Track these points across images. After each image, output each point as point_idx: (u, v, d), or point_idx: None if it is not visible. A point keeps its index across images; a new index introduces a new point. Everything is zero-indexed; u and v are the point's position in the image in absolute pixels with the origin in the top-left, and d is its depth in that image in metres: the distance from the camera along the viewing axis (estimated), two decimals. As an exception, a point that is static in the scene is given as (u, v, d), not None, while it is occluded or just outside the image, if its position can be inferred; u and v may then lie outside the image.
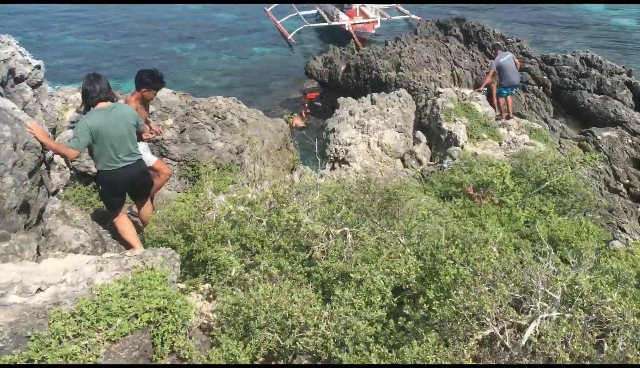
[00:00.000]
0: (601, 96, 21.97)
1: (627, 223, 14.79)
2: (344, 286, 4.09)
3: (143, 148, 6.94)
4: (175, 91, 10.61)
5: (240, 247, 5.09)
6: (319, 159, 11.22)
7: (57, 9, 44.33)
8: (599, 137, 19.29)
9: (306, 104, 26.53)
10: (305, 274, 4.52)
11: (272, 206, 5.42)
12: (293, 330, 3.65)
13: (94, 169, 9.06)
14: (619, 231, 13.26)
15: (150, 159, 6.96)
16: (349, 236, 5.03)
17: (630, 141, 19.08)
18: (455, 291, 3.30)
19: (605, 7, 41.29)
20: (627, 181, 17.20)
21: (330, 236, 5.15)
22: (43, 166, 4.79)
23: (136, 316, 2.91)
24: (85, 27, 40.22)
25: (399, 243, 4.68)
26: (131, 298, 2.99)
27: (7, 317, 2.62)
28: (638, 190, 16.34)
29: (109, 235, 5.21)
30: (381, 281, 3.90)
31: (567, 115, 22.93)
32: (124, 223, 5.84)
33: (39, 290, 2.90)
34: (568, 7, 41.61)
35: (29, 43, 33.41)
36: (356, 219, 5.40)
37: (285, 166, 13.71)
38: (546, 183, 9.32)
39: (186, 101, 10.10)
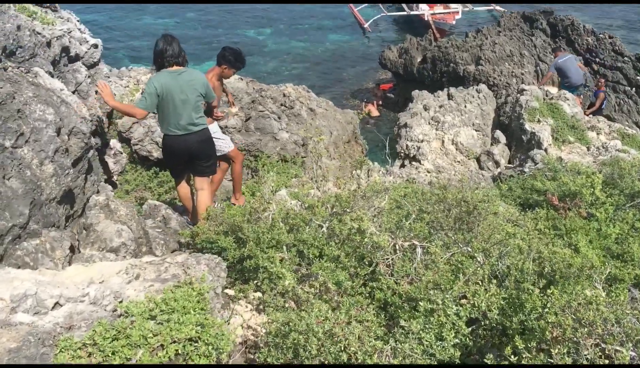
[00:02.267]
0: (703, 101, 20.12)
1: None
2: (411, 315, 3.52)
3: (221, 135, 6.69)
4: (242, 77, 10.26)
5: (296, 253, 4.61)
6: (389, 158, 10.59)
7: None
8: (698, 146, 17.62)
9: (379, 96, 25.80)
10: (367, 294, 3.98)
11: (334, 210, 4.90)
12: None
13: (155, 154, 8.87)
14: None
15: (229, 145, 6.72)
16: (419, 251, 4.43)
17: None
18: (551, 345, 2.67)
19: None
20: None
21: (397, 249, 4.58)
22: (92, 153, 4.46)
23: (162, 346, 2.46)
24: (161, 9, 40.88)
25: (476, 265, 4.05)
26: (159, 324, 2.55)
27: (9, 342, 2.24)
28: None
29: (159, 229, 4.86)
30: (455, 315, 3.30)
31: (662, 120, 21.18)
32: (183, 188, 5.91)
33: (57, 304, 2.52)
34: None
35: (101, 25, 34.36)
36: (427, 231, 4.79)
37: (353, 160, 13.16)
38: (643, 197, 8.30)
39: (253, 88, 9.72)
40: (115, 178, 5.73)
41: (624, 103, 21.19)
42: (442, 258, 4.34)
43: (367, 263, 4.48)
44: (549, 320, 3.48)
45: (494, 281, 3.83)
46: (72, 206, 4.03)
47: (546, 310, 3.50)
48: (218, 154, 6.55)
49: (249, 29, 36.32)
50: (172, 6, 41.26)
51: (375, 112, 23.67)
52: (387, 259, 4.50)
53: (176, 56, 5.43)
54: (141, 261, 3.33)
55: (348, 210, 4.77)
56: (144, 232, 4.25)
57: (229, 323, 3.91)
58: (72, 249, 3.49)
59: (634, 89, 22.03)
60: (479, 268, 3.71)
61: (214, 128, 6.65)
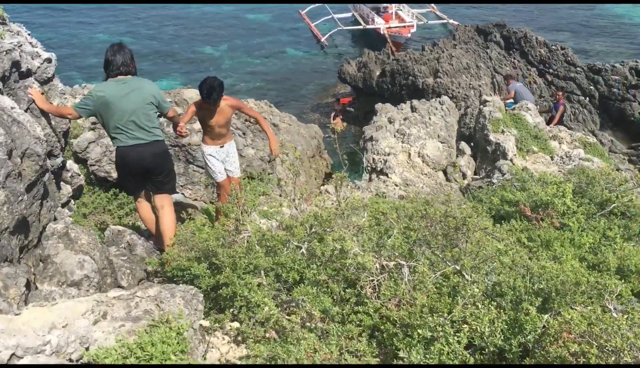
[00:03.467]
0: (653, 108, 20.73)
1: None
2: (407, 343, 3.26)
3: (213, 161, 6.50)
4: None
5: (275, 278, 4.29)
6: (363, 170, 10.39)
7: (88, 9, 44.41)
8: (651, 152, 18.11)
9: (339, 109, 25.73)
10: (357, 322, 3.70)
11: (313, 229, 4.61)
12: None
13: (114, 174, 8.42)
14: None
15: (216, 177, 6.57)
16: (406, 271, 4.19)
17: (686, 157, 17.84)
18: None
19: (651, 16, 39.68)
20: (684, 201, 15.97)
21: (382, 268, 4.32)
22: (48, 176, 4.06)
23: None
24: (118, 26, 40.13)
25: (468, 284, 3.82)
26: (135, 373, 2.22)
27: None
28: (697, 211, 15.08)
29: (124, 257, 4.46)
30: (457, 343, 3.06)
31: (615, 128, 21.71)
32: (144, 210, 5.58)
33: (14, 356, 2.14)
34: (611, 15, 40.07)
35: (58, 40, 33.46)
36: (412, 248, 4.55)
37: (319, 175, 12.93)
38: (613, 205, 8.32)
39: (216, 103, 9.36)
40: (72, 202, 5.31)
41: (579, 112, 21.66)
42: (430, 277, 4.12)
43: (351, 285, 4.21)
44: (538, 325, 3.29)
45: (493, 302, 3.61)
46: (27, 235, 3.63)
47: (549, 331, 3.30)
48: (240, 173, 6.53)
49: (205, 46, 35.89)
50: (126, 22, 40.54)
51: (339, 126, 23.57)
52: (372, 281, 4.25)
53: (122, 66, 5.15)
54: (107, 296, 2.97)
55: (329, 230, 4.49)
56: (108, 262, 3.86)
57: (205, 358, 3.57)
58: (27, 285, 3.10)
59: (587, 98, 22.57)
60: (474, 288, 3.48)
61: (208, 150, 6.46)
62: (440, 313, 3.33)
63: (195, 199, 8.55)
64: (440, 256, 4.24)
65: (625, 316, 2.95)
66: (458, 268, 4.21)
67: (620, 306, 4.07)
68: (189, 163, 8.78)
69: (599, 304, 3.90)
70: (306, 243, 4.57)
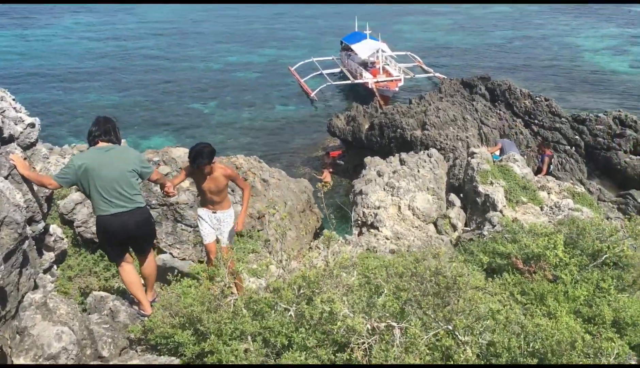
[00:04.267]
0: (638, 156, 20.98)
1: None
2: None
3: (203, 225, 6.49)
4: (193, 150, 9.90)
5: (262, 343, 4.15)
6: (352, 225, 10.32)
7: (78, 67, 45.04)
8: (639, 200, 18.20)
9: (329, 163, 25.86)
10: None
11: (301, 291, 4.50)
12: None
13: (101, 236, 8.31)
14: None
15: (204, 239, 6.57)
16: (397, 333, 4.07)
17: (674, 205, 17.93)
18: None
19: (630, 67, 40.75)
20: (675, 248, 15.94)
21: (373, 330, 4.20)
22: (28, 243, 3.96)
23: None
24: (106, 84, 40.58)
25: (461, 346, 3.71)
26: None
27: None
28: (689, 259, 15.04)
29: (106, 325, 4.31)
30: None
31: (602, 176, 21.91)
32: (127, 273, 5.41)
33: None
34: (592, 67, 41.14)
35: (45, 102, 33.83)
36: (401, 308, 4.44)
37: (309, 230, 12.83)
38: (604, 256, 8.26)
39: (204, 161, 9.34)
40: (55, 267, 5.18)
41: (566, 162, 21.89)
42: (422, 339, 4.00)
43: (341, 348, 4.08)
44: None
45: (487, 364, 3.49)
46: (4, 306, 3.50)
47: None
48: (231, 242, 6.48)
49: (194, 102, 36.28)
50: (117, 82, 41.04)
51: (328, 179, 23.64)
52: (362, 343, 4.12)
53: (104, 134, 5.23)
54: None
55: (317, 291, 4.38)
56: (88, 332, 3.71)
57: None
58: (3, 356, 2.96)
59: (573, 148, 22.86)
60: (468, 352, 3.37)
61: (200, 212, 6.55)
62: (433, 379, 3.21)
63: (184, 259, 8.41)
64: (432, 316, 4.13)
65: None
66: (451, 328, 4.11)
67: None
68: (177, 221, 8.69)
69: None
70: (294, 305, 4.46)
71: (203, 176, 6.17)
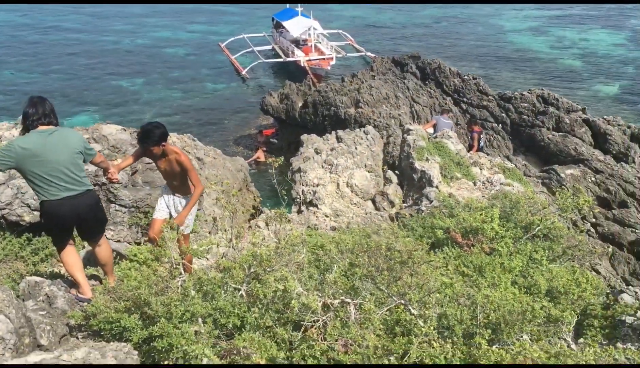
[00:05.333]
0: (560, 133, 21.96)
1: (600, 265, 14.35)
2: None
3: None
4: (125, 128, 9.47)
5: (213, 325, 4.00)
6: (284, 202, 10.22)
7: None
8: (562, 175, 19.08)
9: (262, 141, 25.60)
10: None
11: (252, 270, 4.37)
12: None
13: (27, 218, 7.80)
14: (615, 279, 12.83)
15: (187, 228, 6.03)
16: (352, 309, 4.03)
17: (593, 179, 18.94)
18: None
19: (551, 47, 42.50)
20: (594, 219, 16.89)
21: (327, 307, 4.14)
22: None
23: None
24: (23, 60, 38.32)
25: (417, 321, 3.71)
26: None
27: None
28: (606, 229, 15.98)
29: (42, 312, 4.02)
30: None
31: (527, 152, 22.80)
32: (68, 255, 5.11)
33: None
34: (515, 46, 42.61)
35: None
36: (353, 284, 4.40)
37: (246, 209, 12.63)
38: (537, 228, 8.59)
39: (138, 139, 8.94)
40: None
41: (494, 139, 22.63)
42: (377, 314, 3.98)
43: (296, 327, 3.99)
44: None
45: (441, 336, 3.51)
46: None
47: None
48: (186, 231, 5.89)
49: (120, 79, 34.85)
50: (35, 58, 38.81)
51: (262, 158, 23.41)
52: (317, 321, 4.05)
53: (47, 116, 4.96)
54: (27, 361, 2.60)
55: (269, 269, 4.27)
56: (25, 319, 3.43)
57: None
58: None
59: (500, 125, 23.64)
60: (430, 327, 3.36)
61: (163, 185, 6.18)
62: (395, 354, 3.18)
63: (118, 241, 8.05)
64: (386, 291, 4.11)
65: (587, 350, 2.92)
66: (404, 302, 4.10)
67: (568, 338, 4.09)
68: (110, 202, 8.29)
69: (547, 334, 3.90)
70: (245, 284, 4.33)
71: (154, 157, 5.80)
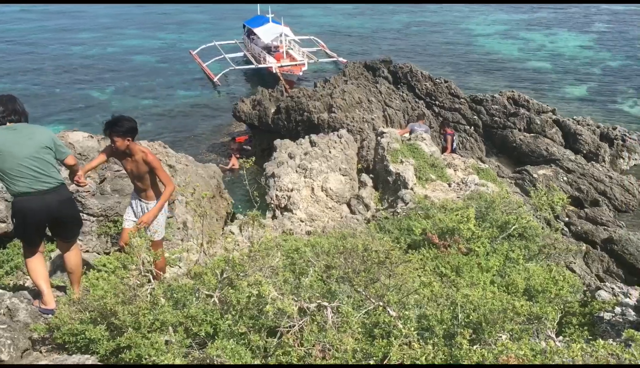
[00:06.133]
0: (532, 134, 22.22)
1: (575, 263, 14.46)
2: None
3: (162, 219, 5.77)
4: (92, 135, 9.20)
5: (184, 333, 3.83)
6: (256, 205, 10.05)
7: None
8: (534, 175, 19.27)
9: (235, 148, 25.35)
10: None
11: (224, 275, 4.21)
12: None
13: (-9, 230, 7.49)
14: (590, 277, 12.92)
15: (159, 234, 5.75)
16: (330, 313, 3.89)
17: (565, 178, 19.16)
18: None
19: (519, 50, 43.12)
20: (567, 218, 17.07)
21: (303, 312, 4.00)
22: None
23: None
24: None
25: (397, 323, 3.59)
26: None
27: None
28: (579, 228, 16.14)
29: (3, 325, 3.80)
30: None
31: (500, 154, 23.02)
32: (35, 262, 4.97)
33: None
34: (485, 50, 43.12)
35: None
36: (330, 287, 4.28)
37: (220, 216, 12.43)
38: (513, 227, 8.58)
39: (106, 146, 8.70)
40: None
41: (467, 141, 22.77)
42: (355, 317, 3.85)
43: (271, 333, 3.85)
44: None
45: (421, 337, 3.39)
46: None
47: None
48: (155, 237, 5.63)
49: (89, 88, 34.23)
50: (3, 67, 37.95)
51: (237, 166, 23.17)
52: (292, 326, 3.91)
53: (13, 113, 4.88)
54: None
55: (242, 274, 4.11)
56: (-17, 334, 3.24)
57: None
58: None
59: (472, 127, 23.82)
60: (410, 329, 3.24)
61: (132, 196, 5.91)
62: (375, 357, 3.06)
63: (87, 251, 7.79)
64: (364, 293, 3.99)
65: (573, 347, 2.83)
66: (382, 304, 3.99)
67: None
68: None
69: (528, 332, 3.81)
70: (218, 291, 4.16)
71: (120, 155, 5.58)
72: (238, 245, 4.95)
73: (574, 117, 23.49)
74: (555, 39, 45.98)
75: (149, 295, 3.94)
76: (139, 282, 3.87)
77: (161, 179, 5.59)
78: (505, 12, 56.82)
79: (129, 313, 3.64)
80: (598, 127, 22.40)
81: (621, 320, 5.90)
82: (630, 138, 21.41)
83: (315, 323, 3.88)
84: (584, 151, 21.08)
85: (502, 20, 53.61)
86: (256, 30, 37.26)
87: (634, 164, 21.42)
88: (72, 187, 5.99)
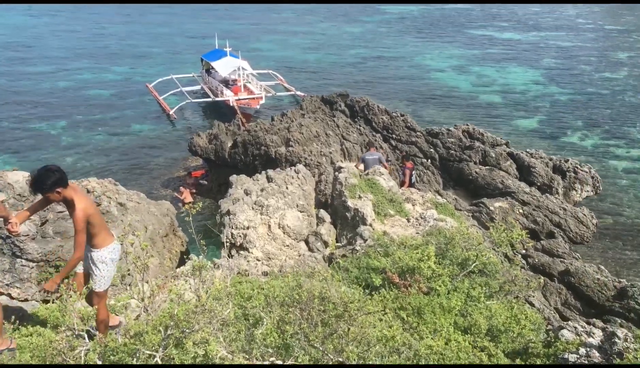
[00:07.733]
0: (487, 167, 22.48)
1: (534, 296, 14.46)
2: None
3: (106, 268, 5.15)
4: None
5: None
6: (205, 248, 9.66)
7: None
8: (491, 207, 19.39)
9: (191, 183, 24.83)
10: None
11: (168, 332, 3.84)
12: None
13: None
14: (549, 311, 12.89)
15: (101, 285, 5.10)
16: (284, 372, 3.57)
17: (520, 210, 19.35)
18: None
19: (472, 84, 44.17)
20: (524, 251, 17.16)
21: (255, 371, 3.67)
22: None
23: None
24: None
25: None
26: None
27: None
28: (536, 260, 16.22)
29: None
30: None
31: (456, 186, 23.18)
32: None
33: None
34: (441, 84, 44.01)
35: None
36: (284, 341, 3.96)
37: (174, 255, 11.95)
38: (473, 264, 8.44)
39: (49, 186, 8.20)
40: None
41: (424, 174, 22.86)
42: (312, 376, 3.54)
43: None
44: None
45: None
46: None
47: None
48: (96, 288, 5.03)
49: (39, 122, 33.20)
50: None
51: (189, 199, 22.63)
52: (244, 387, 3.57)
53: None
54: None
55: (187, 331, 3.76)
56: None
57: None
58: None
59: (429, 160, 23.98)
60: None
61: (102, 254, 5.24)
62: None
63: (26, 300, 7.25)
64: (321, 349, 3.69)
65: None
66: (342, 360, 3.69)
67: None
68: (15, 256, 7.49)
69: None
70: (161, 350, 3.79)
71: (60, 203, 5.06)
72: (187, 291, 4.59)
73: (527, 150, 23.93)
74: (506, 74, 47.40)
75: (82, 359, 3.54)
76: (69, 345, 3.48)
77: (74, 242, 4.93)
78: (457, 47, 58.43)
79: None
80: (550, 159, 22.86)
81: (586, 361, 5.74)
82: (581, 170, 21.88)
83: (269, 383, 3.56)
84: (538, 184, 21.42)
85: (456, 55, 55.04)
86: (214, 63, 37.09)
87: (586, 196, 21.85)
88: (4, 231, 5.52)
